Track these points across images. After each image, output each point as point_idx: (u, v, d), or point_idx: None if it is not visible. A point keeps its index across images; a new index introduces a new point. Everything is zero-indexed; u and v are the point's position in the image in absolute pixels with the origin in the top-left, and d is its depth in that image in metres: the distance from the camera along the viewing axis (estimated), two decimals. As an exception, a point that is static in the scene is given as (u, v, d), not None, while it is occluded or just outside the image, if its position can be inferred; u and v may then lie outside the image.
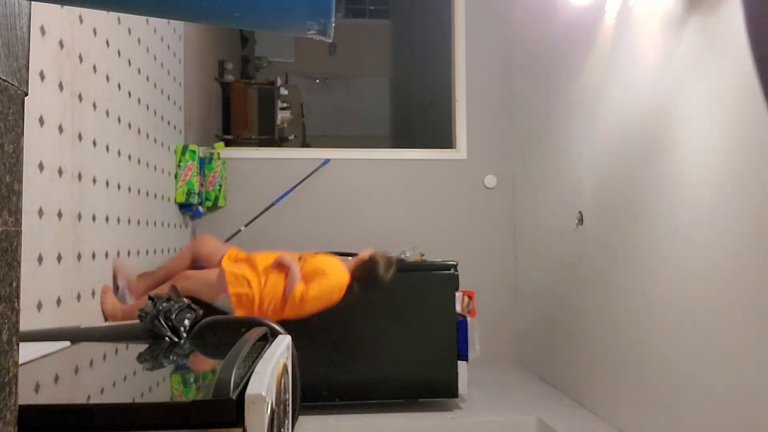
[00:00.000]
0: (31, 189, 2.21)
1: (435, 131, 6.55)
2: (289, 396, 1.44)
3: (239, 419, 1.05)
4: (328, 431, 3.21)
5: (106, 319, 2.97)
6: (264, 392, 1.07)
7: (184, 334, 1.69)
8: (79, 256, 2.66)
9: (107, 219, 3.02)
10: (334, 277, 3.18)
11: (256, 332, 1.43)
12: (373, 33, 10.01)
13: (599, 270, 3.39)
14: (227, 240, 4.67)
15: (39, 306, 2.29)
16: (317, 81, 10.40)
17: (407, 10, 9.52)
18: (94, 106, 2.86)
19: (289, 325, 1.64)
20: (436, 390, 3.53)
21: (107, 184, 3.02)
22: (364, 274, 3.25)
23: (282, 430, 1.27)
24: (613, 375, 3.22)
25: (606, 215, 3.32)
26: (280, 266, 3.18)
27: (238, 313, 3.12)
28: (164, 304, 1.73)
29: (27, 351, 1.37)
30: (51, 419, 1.05)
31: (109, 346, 1.68)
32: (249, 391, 1.07)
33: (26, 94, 0.74)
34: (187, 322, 1.72)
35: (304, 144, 8.22)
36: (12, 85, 0.70)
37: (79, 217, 2.67)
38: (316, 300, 3.12)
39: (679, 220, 2.62)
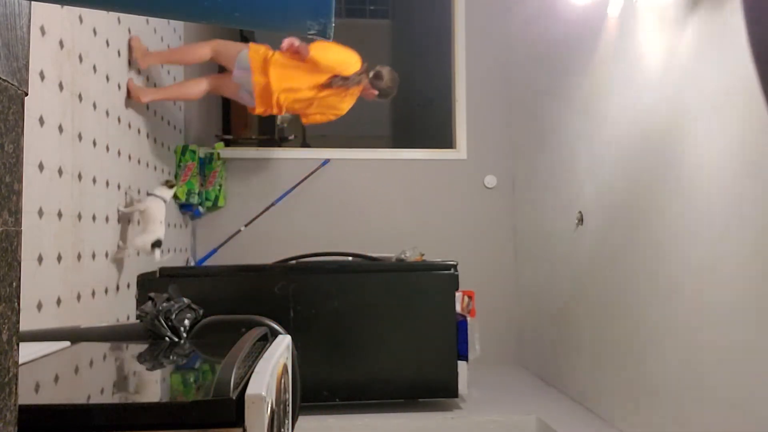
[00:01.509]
0: (31, 189, 2.22)
1: (435, 131, 6.54)
2: (289, 396, 1.44)
3: (239, 419, 1.05)
4: (328, 431, 3.21)
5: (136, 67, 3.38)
6: (264, 392, 1.07)
7: (184, 334, 1.69)
8: (79, 256, 2.66)
9: (107, 219, 3.02)
10: (349, 51, 3.82)
11: (256, 332, 1.43)
12: (373, 33, 10.00)
13: (599, 270, 3.38)
14: (227, 240, 4.67)
15: (39, 306, 2.29)
16: (317, 81, 10.36)
17: (407, 10, 9.51)
18: (94, 106, 2.86)
19: (289, 325, 1.64)
20: (436, 390, 3.53)
21: (107, 184, 3.02)
22: (371, 76, 3.91)
23: (282, 430, 1.27)
24: (614, 375, 3.22)
25: (606, 215, 3.32)
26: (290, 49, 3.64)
27: (255, 67, 3.58)
28: (164, 304, 1.72)
29: (27, 351, 1.37)
30: (51, 419, 1.05)
31: (109, 346, 1.68)
32: (249, 391, 1.07)
33: (26, 94, 0.74)
34: (187, 322, 1.71)
35: (304, 144, 8.20)
36: (12, 85, 0.70)
37: (79, 217, 2.67)
38: (331, 49, 3.67)
39: (682, 218, 2.62)
